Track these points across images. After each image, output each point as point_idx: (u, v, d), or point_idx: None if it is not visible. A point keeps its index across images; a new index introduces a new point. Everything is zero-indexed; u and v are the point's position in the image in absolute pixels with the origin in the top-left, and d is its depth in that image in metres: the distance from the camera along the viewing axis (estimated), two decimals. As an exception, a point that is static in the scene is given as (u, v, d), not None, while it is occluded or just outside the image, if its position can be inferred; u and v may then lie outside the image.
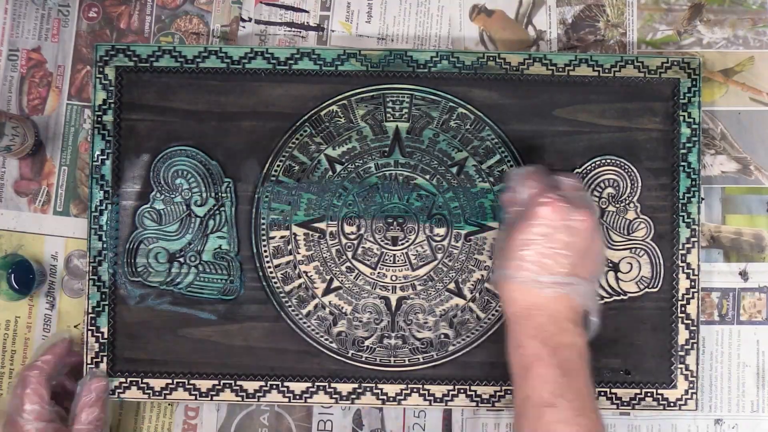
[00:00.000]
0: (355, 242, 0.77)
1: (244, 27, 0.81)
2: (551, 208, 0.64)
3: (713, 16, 0.82)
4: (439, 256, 0.77)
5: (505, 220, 0.71)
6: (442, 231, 0.77)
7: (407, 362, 0.76)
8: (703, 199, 0.79)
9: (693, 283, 0.76)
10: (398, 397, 0.76)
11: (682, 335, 0.76)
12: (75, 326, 0.79)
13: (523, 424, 0.63)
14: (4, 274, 0.76)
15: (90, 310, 0.75)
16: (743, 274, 0.80)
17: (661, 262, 0.76)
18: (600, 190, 0.77)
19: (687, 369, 0.76)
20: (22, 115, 0.80)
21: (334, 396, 0.76)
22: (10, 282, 0.76)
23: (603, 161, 0.77)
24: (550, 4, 0.82)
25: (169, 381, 0.76)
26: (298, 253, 0.76)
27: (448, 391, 0.76)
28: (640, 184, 0.76)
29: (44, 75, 0.81)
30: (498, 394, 0.76)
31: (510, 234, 0.66)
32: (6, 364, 0.80)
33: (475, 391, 0.76)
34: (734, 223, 0.80)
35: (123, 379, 0.76)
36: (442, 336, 0.76)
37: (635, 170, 0.76)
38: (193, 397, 0.75)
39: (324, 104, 0.77)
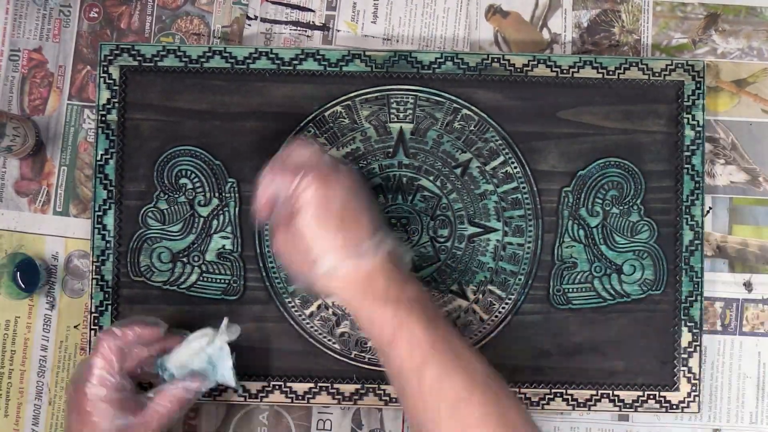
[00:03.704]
0: (359, 243, 0.76)
1: (249, 25, 0.81)
2: (308, 191, 0.61)
3: (728, 26, 0.82)
4: (443, 257, 0.77)
5: (270, 225, 0.68)
6: (445, 232, 0.77)
7: (410, 363, 0.76)
8: (710, 208, 0.80)
9: (696, 286, 0.76)
10: (401, 399, 0.76)
11: (685, 338, 0.76)
12: (75, 326, 0.79)
13: (406, 392, 0.61)
14: (11, 272, 0.75)
15: (93, 310, 0.75)
16: (747, 285, 0.80)
17: (665, 264, 0.76)
18: (604, 192, 0.77)
19: (690, 372, 0.76)
20: (23, 115, 0.80)
21: (336, 397, 0.76)
22: (17, 280, 0.75)
23: (607, 163, 0.77)
24: (566, 7, 0.82)
25: (172, 381, 0.75)
26: (302, 254, 0.76)
27: (451, 392, 0.76)
28: (643, 187, 0.76)
29: (45, 75, 0.81)
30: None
31: (289, 238, 0.63)
32: (6, 364, 0.79)
33: (478, 393, 0.76)
34: (741, 233, 0.80)
35: (125, 380, 0.75)
36: (446, 337, 0.76)
37: (639, 172, 0.77)
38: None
39: (328, 105, 0.77)
